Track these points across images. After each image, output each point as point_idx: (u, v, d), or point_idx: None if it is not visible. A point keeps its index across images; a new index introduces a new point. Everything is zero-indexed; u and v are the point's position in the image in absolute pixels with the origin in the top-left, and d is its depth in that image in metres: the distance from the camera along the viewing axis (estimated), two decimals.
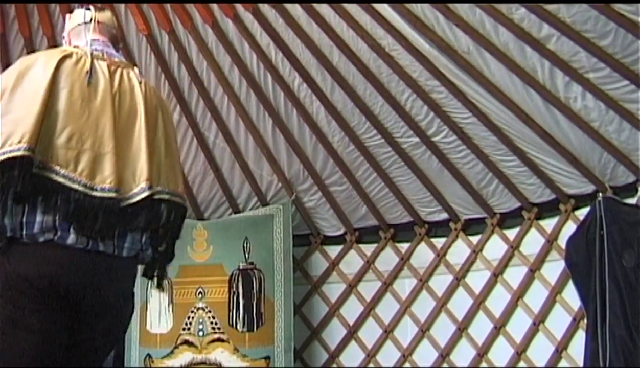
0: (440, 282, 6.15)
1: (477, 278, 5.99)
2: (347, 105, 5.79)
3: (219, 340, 6.22)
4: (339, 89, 5.69)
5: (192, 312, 6.26)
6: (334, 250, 6.62)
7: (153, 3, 5.63)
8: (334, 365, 6.35)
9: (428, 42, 5.06)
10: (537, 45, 4.71)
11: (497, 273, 5.88)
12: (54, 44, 5.75)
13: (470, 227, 6.16)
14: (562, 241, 5.53)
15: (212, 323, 6.23)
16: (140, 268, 3.09)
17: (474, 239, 6.09)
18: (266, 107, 5.98)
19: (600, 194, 5.31)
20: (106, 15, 3.31)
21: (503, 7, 4.60)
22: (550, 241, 5.69)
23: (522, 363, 5.61)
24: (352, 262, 6.53)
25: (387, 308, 6.31)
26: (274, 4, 5.38)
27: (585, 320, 5.20)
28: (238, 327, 6.21)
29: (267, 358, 6.13)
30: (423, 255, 6.29)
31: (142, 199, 2.90)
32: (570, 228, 5.55)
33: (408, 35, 5.12)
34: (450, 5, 4.79)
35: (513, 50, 4.83)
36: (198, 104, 6.11)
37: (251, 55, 5.72)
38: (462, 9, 4.77)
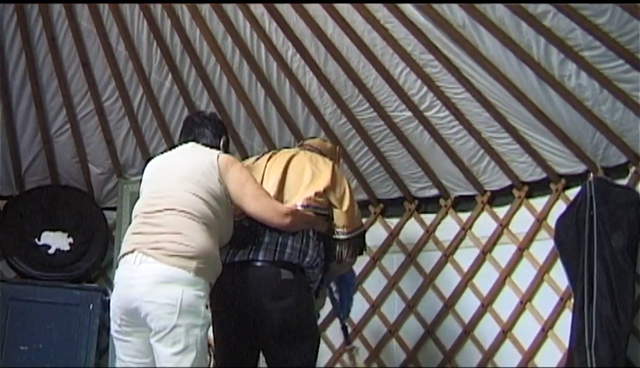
0: (429, 258, 6.14)
1: (465, 256, 5.99)
2: (340, 78, 5.75)
3: None
4: (332, 60, 5.65)
5: None
6: None
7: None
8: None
9: (423, 15, 5.03)
10: (533, 22, 4.68)
11: (485, 251, 5.87)
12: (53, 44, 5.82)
13: (460, 204, 6.15)
14: (552, 220, 5.54)
15: None
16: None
17: (464, 216, 6.08)
18: (258, 77, 5.93)
19: (592, 174, 5.33)
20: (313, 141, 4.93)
21: None
22: (540, 220, 5.68)
23: (507, 342, 5.61)
24: None
25: (374, 284, 6.29)
26: None
27: (572, 300, 5.21)
28: None
29: None
30: (412, 231, 6.28)
31: None
32: (560, 207, 5.54)
33: (403, 7, 5.09)
34: None
35: (509, 25, 4.80)
36: (190, 73, 6.05)
37: (245, 24, 5.66)
38: None
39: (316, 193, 4.24)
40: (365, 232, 4.55)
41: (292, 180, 4.33)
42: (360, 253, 4.51)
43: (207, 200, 3.86)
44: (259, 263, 4.08)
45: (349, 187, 4.48)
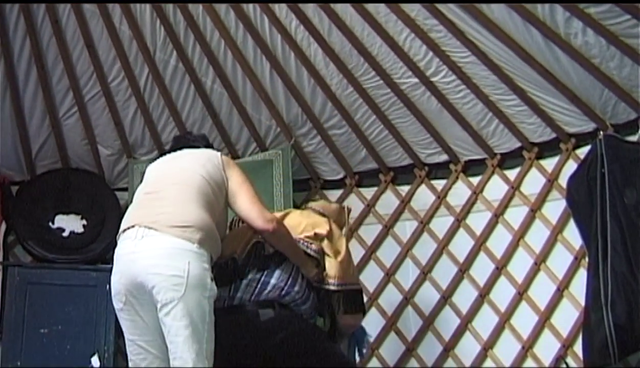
0: (441, 224, 6.14)
1: (478, 220, 5.98)
2: (344, 47, 5.72)
3: None
4: (337, 30, 5.62)
5: None
6: (334, 195, 6.59)
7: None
8: None
9: None
10: None
11: (498, 214, 5.87)
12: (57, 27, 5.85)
13: (471, 168, 6.13)
14: (563, 180, 5.53)
15: None
16: None
17: (475, 180, 6.07)
18: (263, 50, 5.91)
19: (601, 132, 5.30)
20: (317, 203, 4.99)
21: None
22: (551, 180, 5.67)
23: (523, 303, 5.62)
24: (352, 206, 6.40)
25: (388, 251, 6.31)
26: None
27: (587, 259, 5.21)
28: None
29: None
30: (423, 197, 6.28)
31: None
32: (571, 167, 5.53)
33: None
34: None
35: None
36: (195, 49, 6.03)
37: None
38: None
39: (311, 235, 4.26)
40: (361, 291, 4.47)
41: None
42: (357, 312, 4.43)
43: (210, 183, 3.93)
44: (237, 306, 4.04)
45: (347, 246, 4.45)
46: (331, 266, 4.27)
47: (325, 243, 4.30)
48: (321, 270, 4.26)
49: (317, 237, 4.26)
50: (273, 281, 4.07)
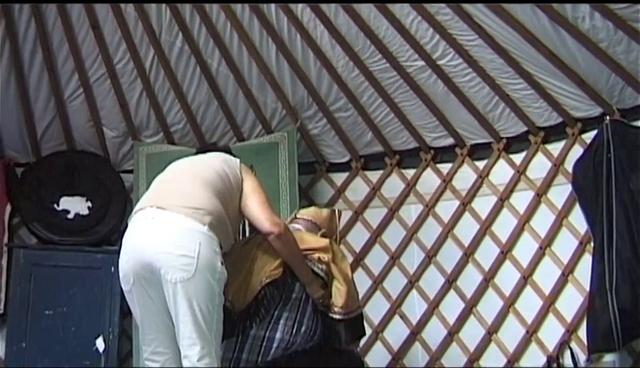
0: (447, 207, 6.13)
1: (483, 204, 5.97)
2: (351, 29, 5.70)
3: None
4: (343, 12, 5.59)
5: None
6: (339, 178, 6.59)
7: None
8: None
9: None
10: None
11: (503, 198, 5.85)
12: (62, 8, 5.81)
13: (477, 152, 6.12)
14: (569, 165, 5.51)
15: None
16: None
17: (480, 164, 6.06)
18: (269, 32, 5.89)
19: (608, 117, 5.27)
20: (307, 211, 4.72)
21: None
22: (557, 165, 5.65)
23: (528, 287, 5.62)
24: (358, 189, 6.50)
25: (393, 235, 6.30)
26: None
27: (592, 244, 5.18)
28: None
29: None
30: (429, 181, 6.27)
31: None
32: (577, 151, 5.51)
33: None
34: None
35: None
36: (200, 31, 6.01)
37: None
38: None
39: (318, 257, 4.17)
40: (362, 315, 4.36)
41: None
42: (359, 339, 4.39)
43: (224, 179, 3.94)
44: None
45: (349, 267, 4.39)
46: (339, 294, 4.13)
47: (332, 266, 4.20)
48: (327, 294, 4.15)
49: (321, 262, 4.17)
50: (279, 335, 3.91)
